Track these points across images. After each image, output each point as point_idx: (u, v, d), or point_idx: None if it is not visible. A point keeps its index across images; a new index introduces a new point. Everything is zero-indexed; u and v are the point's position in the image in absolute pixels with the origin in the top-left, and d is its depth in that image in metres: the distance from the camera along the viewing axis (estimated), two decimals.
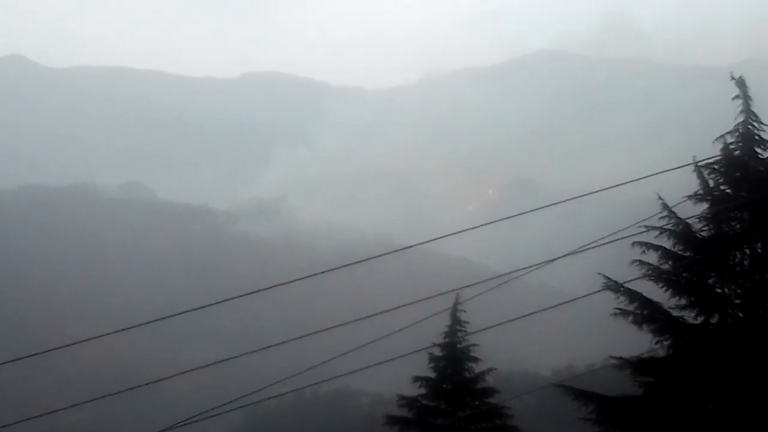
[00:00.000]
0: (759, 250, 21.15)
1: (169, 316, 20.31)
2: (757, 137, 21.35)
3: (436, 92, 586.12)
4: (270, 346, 20.21)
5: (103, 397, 20.19)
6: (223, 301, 19.84)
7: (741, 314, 21.15)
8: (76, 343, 19.32)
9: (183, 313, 19.89)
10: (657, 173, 18.69)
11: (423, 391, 29.13)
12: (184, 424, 18.55)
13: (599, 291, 20.86)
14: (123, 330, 20.92)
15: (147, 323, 20.12)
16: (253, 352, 20.53)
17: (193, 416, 19.22)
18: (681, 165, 20.34)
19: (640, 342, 21.64)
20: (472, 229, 19.67)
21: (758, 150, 21.41)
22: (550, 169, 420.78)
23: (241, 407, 19.40)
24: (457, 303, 28.41)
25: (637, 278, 20.81)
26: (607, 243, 18.91)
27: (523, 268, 19.44)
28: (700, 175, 21.51)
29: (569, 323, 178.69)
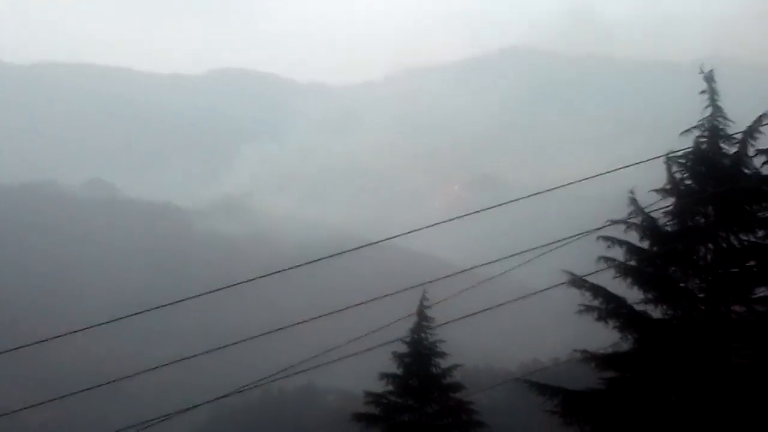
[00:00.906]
0: (722, 245, 21.33)
1: (133, 314, 20.12)
2: (722, 132, 21.52)
3: (403, 88, 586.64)
4: (235, 343, 20.11)
5: (64, 396, 19.97)
6: (188, 299, 19.71)
7: (704, 308, 21.31)
8: (38, 342, 19.06)
9: (148, 311, 19.73)
10: (625, 167, 18.81)
11: (390, 387, 29.08)
12: (148, 425, 18.39)
13: (559, 285, 20.92)
14: (86, 329, 20.69)
15: (111, 321, 19.89)
16: (219, 349, 20.42)
17: (161, 416, 19.06)
18: (650, 158, 20.46)
19: (607, 337, 21.77)
20: (439, 224, 19.67)
21: (723, 145, 21.59)
22: (517, 165, 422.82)
23: (209, 402, 19.26)
24: (423, 299, 28.41)
25: (599, 271, 20.89)
26: (575, 238, 18.98)
27: (488, 262, 19.47)
28: (669, 169, 21.65)
29: (536, 319, 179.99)
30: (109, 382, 20.36)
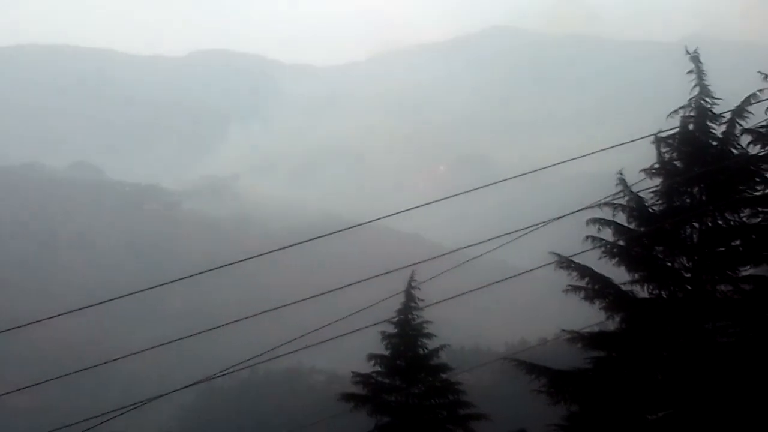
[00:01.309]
0: (709, 224, 21.39)
1: (119, 297, 20.06)
2: (709, 112, 21.52)
3: (388, 68, 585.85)
4: (222, 326, 20.07)
5: (48, 380, 19.88)
6: (174, 281, 19.61)
7: (690, 287, 21.38)
8: (23, 326, 18.97)
9: (134, 293, 19.65)
10: (612, 147, 18.77)
11: (377, 368, 29.15)
12: (135, 407, 18.35)
13: (546, 265, 20.96)
14: (72, 311, 20.57)
15: (97, 304, 19.83)
16: (206, 331, 20.36)
17: (148, 399, 19.04)
18: (639, 138, 20.45)
19: (594, 316, 21.84)
20: (426, 205, 19.63)
21: (711, 125, 21.59)
22: (502, 145, 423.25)
23: (197, 383, 19.23)
24: (411, 280, 28.43)
25: (585, 251, 20.92)
26: (562, 218, 18.98)
27: (475, 243, 19.46)
28: (658, 149, 21.66)
29: (523, 299, 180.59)
30: (95, 365, 20.30)
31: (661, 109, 21.84)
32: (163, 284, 19.43)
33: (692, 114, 21.47)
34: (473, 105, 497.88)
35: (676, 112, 21.49)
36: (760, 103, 21.15)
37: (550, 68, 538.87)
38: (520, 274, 22.02)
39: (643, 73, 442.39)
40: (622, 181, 21.56)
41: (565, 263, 21.30)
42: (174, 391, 20.34)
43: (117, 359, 24.71)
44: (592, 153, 19.49)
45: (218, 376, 19.82)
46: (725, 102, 21.48)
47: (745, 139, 21.47)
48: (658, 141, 21.63)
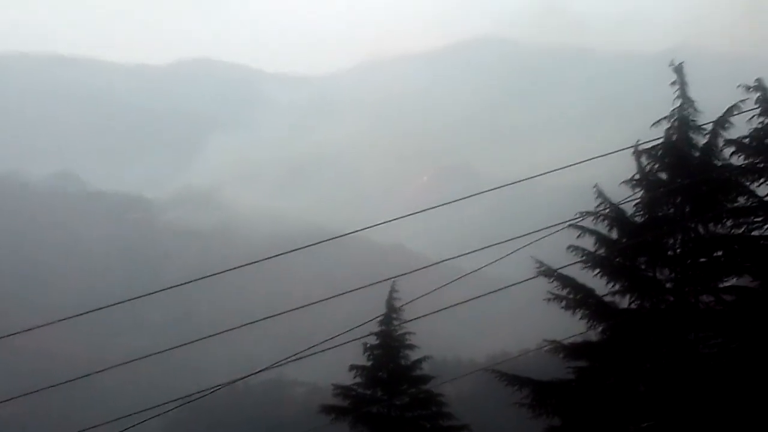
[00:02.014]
0: (691, 235, 21.42)
1: (100, 308, 19.90)
2: (692, 123, 21.57)
3: (372, 78, 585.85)
4: (204, 338, 19.92)
5: (30, 393, 19.70)
6: (156, 292, 19.48)
7: (672, 298, 21.40)
8: (4, 337, 18.79)
9: (115, 304, 19.52)
10: (594, 158, 18.78)
11: (359, 379, 29.03)
12: (119, 420, 18.21)
13: (530, 279, 20.90)
14: (52, 323, 20.41)
15: (78, 315, 19.65)
16: (188, 344, 20.22)
17: (132, 413, 18.92)
18: (619, 149, 20.48)
19: (576, 327, 21.80)
20: (410, 215, 19.58)
21: (693, 136, 21.64)
22: (487, 155, 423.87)
23: (180, 399, 19.10)
24: (392, 291, 28.35)
25: (571, 264, 20.93)
26: (545, 229, 18.95)
27: (459, 255, 19.40)
28: (638, 161, 21.69)
29: (504, 310, 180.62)
30: (78, 378, 20.10)
31: (646, 120, 21.89)
32: (144, 295, 19.33)
33: (675, 125, 21.52)
34: (459, 114, 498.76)
35: (658, 122, 21.55)
36: (743, 114, 21.22)
37: (536, 78, 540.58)
38: (507, 286, 21.92)
39: (629, 84, 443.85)
40: (600, 194, 21.57)
41: (548, 271, 21.29)
42: (162, 403, 20.18)
43: (100, 371, 24.53)
44: (572, 165, 19.51)
45: (208, 393, 19.63)
46: (711, 113, 21.55)
47: (727, 151, 21.55)
48: (638, 153, 21.68)
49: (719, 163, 21.48)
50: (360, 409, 28.82)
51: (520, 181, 20.38)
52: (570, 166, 19.63)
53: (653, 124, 21.53)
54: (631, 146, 21.54)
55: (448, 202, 19.83)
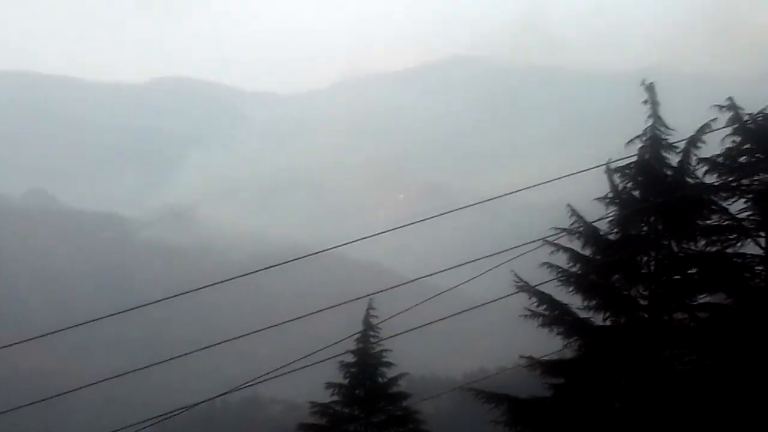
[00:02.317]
0: (665, 253, 21.58)
1: (74, 326, 19.73)
2: (664, 142, 21.77)
3: (350, 97, 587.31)
4: (180, 356, 19.84)
5: (2, 413, 19.53)
6: (131, 309, 19.40)
7: (647, 315, 21.53)
8: None
9: (89, 322, 19.38)
10: (568, 175, 18.94)
11: (336, 397, 28.98)
12: None
13: (508, 296, 20.99)
14: (26, 341, 20.26)
15: (51, 333, 19.52)
16: (164, 362, 20.11)
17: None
18: (593, 167, 20.65)
19: (552, 345, 21.89)
20: (385, 232, 19.62)
21: (666, 154, 21.83)
22: (463, 173, 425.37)
23: (155, 418, 18.99)
24: (369, 309, 28.35)
25: (548, 281, 21.03)
26: (520, 246, 19.06)
27: (435, 272, 19.46)
28: (610, 178, 21.87)
29: (481, 327, 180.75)
30: (53, 396, 19.97)
31: (621, 139, 22.11)
32: (119, 312, 19.22)
33: (648, 143, 21.72)
34: (435, 133, 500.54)
35: (632, 141, 21.75)
36: (716, 133, 21.45)
37: (512, 97, 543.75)
38: (484, 304, 21.98)
39: (604, 103, 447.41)
40: (574, 212, 21.71)
41: (526, 287, 21.39)
42: (138, 422, 20.07)
43: (73, 390, 24.32)
44: (546, 182, 19.67)
45: (184, 411, 19.52)
46: (684, 132, 21.76)
47: (701, 169, 21.75)
48: (610, 171, 21.86)
49: (692, 182, 21.68)
50: (337, 427, 28.76)
51: (494, 198, 20.52)
52: (543, 183, 19.79)
53: (628, 142, 21.71)
54: (602, 165, 21.70)
55: (424, 219, 19.94)
